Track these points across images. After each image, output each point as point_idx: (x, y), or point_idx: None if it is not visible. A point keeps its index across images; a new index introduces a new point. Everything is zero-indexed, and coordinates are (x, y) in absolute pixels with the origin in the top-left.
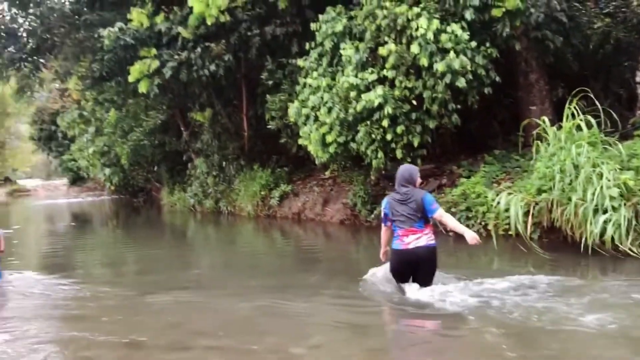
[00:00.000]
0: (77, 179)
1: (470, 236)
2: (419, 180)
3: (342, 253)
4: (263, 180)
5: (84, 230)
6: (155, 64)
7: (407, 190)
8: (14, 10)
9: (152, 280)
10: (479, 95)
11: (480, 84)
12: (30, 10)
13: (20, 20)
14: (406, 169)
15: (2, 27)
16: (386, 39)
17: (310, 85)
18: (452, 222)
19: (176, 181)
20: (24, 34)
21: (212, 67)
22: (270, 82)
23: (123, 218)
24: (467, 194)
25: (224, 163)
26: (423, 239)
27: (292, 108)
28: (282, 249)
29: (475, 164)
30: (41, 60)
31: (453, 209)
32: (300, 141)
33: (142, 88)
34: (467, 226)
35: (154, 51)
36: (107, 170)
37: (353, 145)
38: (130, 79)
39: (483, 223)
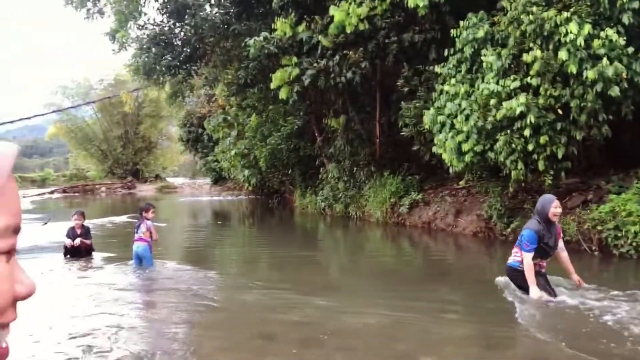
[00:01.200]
0: (218, 179)
1: (534, 294)
2: (549, 211)
3: (475, 266)
4: (393, 187)
5: (225, 227)
6: (296, 71)
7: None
8: (172, 21)
9: (282, 279)
10: (634, 105)
11: (637, 93)
12: (186, 21)
13: (177, 30)
14: (540, 199)
15: (163, 36)
16: (531, 44)
17: (447, 92)
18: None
19: (308, 185)
20: (179, 43)
21: (349, 75)
22: (405, 89)
23: (258, 217)
24: (616, 211)
25: (354, 169)
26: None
27: (428, 115)
28: (412, 258)
29: (627, 179)
30: (193, 68)
31: (599, 227)
32: (434, 149)
33: (283, 95)
34: (615, 246)
35: (295, 59)
36: (246, 172)
37: (491, 154)
38: (272, 86)
39: (634, 244)
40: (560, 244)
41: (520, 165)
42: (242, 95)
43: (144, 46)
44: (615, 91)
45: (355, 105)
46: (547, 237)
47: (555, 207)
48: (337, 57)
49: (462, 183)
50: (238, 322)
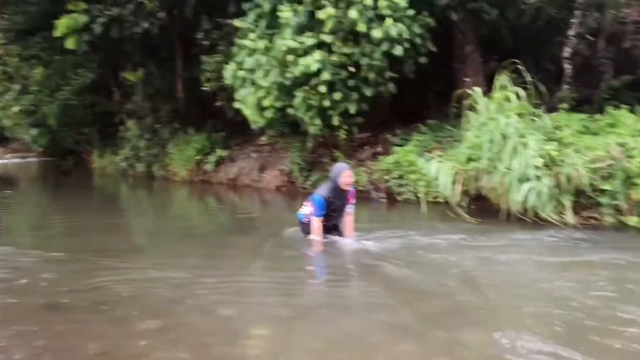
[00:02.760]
0: (1, 140)
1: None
2: (340, 180)
3: (277, 219)
4: (198, 144)
5: (11, 194)
6: (84, 19)
7: None
8: None
9: (79, 244)
10: (415, 65)
11: (417, 54)
12: None
13: None
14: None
15: None
16: (325, 2)
17: (247, 47)
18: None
19: (107, 144)
20: None
21: (145, 25)
22: (206, 43)
23: (52, 182)
24: (400, 162)
25: (157, 126)
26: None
27: (228, 70)
28: (217, 215)
29: (409, 133)
30: None
31: (386, 177)
32: (236, 105)
33: (70, 45)
34: (399, 193)
35: (83, 5)
36: (34, 131)
37: (290, 111)
38: (57, 34)
39: (414, 190)
40: (349, 208)
41: (317, 121)
42: (23, 43)
43: None
44: (398, 50)
45: (155, 59)
46: (335, 203)
47: (345, 177)
48: (131, 5)
49: (265, 139)
50: (22, 293)
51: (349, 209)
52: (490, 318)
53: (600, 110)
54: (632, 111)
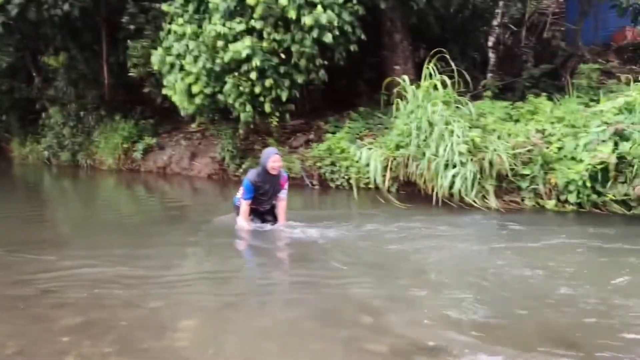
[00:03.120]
0: None
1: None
2: (267, 164)
3: (209, 207)
4: (126, 132)
5: None
6: None
7: None
8: None
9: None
10: (346, 52)
11: (347, 41)
12: None
13: None
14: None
15: None
16: None
17: (175, 32)
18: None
19: (28, 132)
20: None
21: (66, 7)
22: (132, 27)
23: None
24: (332, 149)
25: (82, 113)
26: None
27: (156, 55)
28: (147, 204)
29: (341, 120)
30: None
31: (319, 164)
32: (164, 91)
33: None
34: (331, 180)
35: None
36: None
37: (221, 97)
38: None
39: (346, 177)
40: (282, 193)
41: (248, 107)
42: None
43: None
44: (328, 38)
45: (78, 43)
46: (264, 188)
47: (273, 162)
48: None
49: (195, 126)
50: None
51: (282, 195)
52: (420, 301)
53: (522, 98)
54: (550, 99)
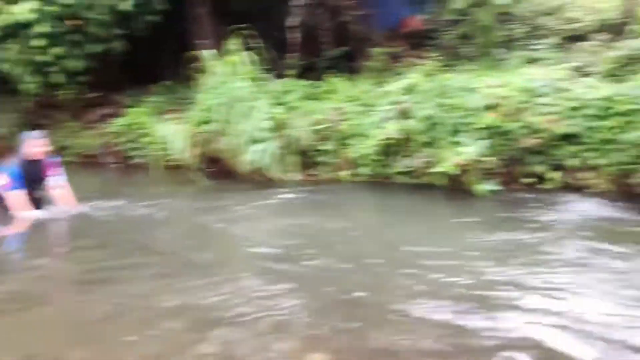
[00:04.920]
0: None
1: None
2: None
3: None
4: None
5: None
6: None
7: None
8: None
9: None
10: (147, 23)
11: (148, 11)
12: None
13: None
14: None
15: None
16: None
17: None
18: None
19: None
20: None
21: None
22: None
23: None
24: (132, 124)
25: None
26: None
27: None
28: None
29: (143, 94)
30: None
31: (118, 140)
32: None
33: None
34: (131, 157)
35: None
36: None
37: (2, 64)
38: None
39: (146, 153)
40: (53, 181)
41: (36, 78)
42: None
43: None
44: (126, 6)
45: None
46: (31, 175)
47: (29, 147)
48: None
49: None
50: None
51: (53, 182)
52: (220, 269)
53: (321, 78)
54: (348, 79)
